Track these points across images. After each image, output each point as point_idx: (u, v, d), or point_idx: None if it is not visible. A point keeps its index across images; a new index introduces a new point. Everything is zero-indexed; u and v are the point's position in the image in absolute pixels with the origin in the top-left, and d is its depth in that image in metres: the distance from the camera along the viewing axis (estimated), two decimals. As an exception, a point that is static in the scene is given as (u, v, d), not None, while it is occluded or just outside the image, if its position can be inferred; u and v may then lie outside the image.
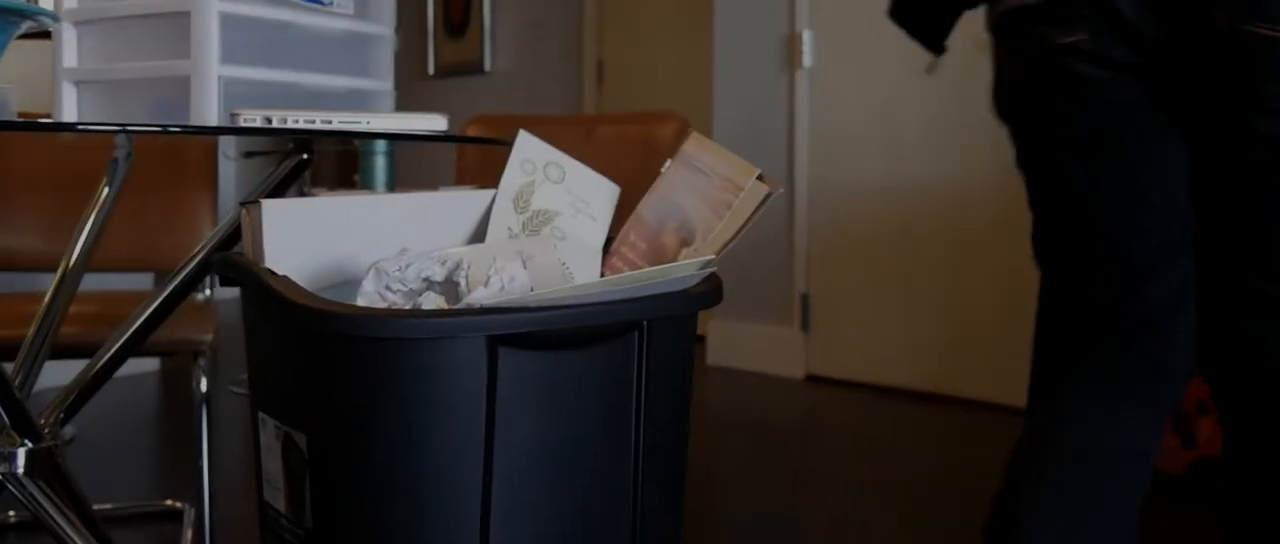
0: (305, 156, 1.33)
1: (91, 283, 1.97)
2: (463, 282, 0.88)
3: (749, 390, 3.51)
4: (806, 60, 3.63)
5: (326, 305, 0.82)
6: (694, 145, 1.09)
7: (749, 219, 1.02)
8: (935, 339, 3.39)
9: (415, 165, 4.89)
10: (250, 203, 0.96)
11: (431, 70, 5.36)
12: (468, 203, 1.06)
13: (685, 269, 0.91)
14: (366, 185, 4.06)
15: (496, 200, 1.07)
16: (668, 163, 1.11)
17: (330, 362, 0.84)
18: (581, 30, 4.77)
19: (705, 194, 1.06)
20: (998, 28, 1.27)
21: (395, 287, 0.88)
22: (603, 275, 1.11)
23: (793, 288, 3.72)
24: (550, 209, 1.09)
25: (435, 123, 1.26)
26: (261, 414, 0.93)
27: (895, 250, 3.46)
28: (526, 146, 1.09)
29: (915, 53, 1.41)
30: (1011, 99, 1.27)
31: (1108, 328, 1.24)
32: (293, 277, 0.91)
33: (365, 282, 0.87)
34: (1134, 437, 1.23)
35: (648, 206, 1.10)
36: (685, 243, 1.06)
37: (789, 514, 2.27)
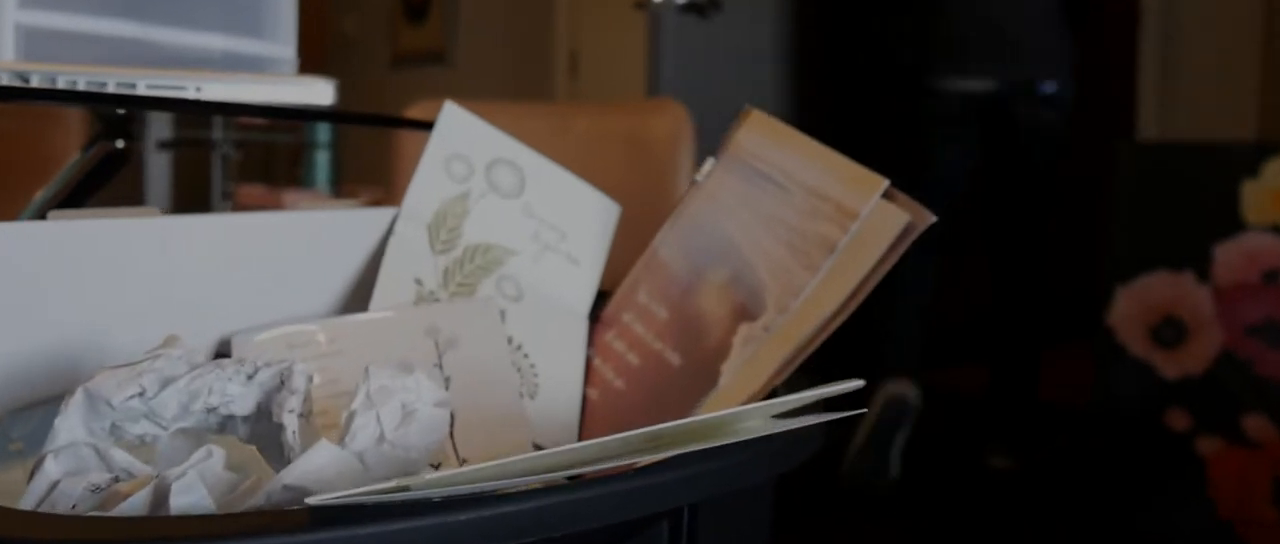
0: (119, 146, 0.83)
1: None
2: (292, 423, 0.39)
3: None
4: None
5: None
6: (756, 133, 0.61)
7: (874, 271, 0.54)
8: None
9: (380, 165, 4.38)
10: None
11: (388, 60, 4.88)
12: (343, 231, 0.57)
13: (770, 411, 0.42)
14: (307, 187, 3.54)
15: (396, 227, 0.58)
16: (707, 164, 0.63)
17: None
18: (552, 17, 4.29)
19: (779, 221, 0.58)
20: None
21: (134, 429, 0.39)
22: (590, 360, 0.62)
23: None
24: (496, 244, 0.60)
25: (313, 92, 0.77)
26: None
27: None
28: (456, 130, 0.60)
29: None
30: None
31: None
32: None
33: (63, 420, 0.38)
34: None
35: (672, 242, 0.62)
36: (744, 312, 0.57)
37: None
